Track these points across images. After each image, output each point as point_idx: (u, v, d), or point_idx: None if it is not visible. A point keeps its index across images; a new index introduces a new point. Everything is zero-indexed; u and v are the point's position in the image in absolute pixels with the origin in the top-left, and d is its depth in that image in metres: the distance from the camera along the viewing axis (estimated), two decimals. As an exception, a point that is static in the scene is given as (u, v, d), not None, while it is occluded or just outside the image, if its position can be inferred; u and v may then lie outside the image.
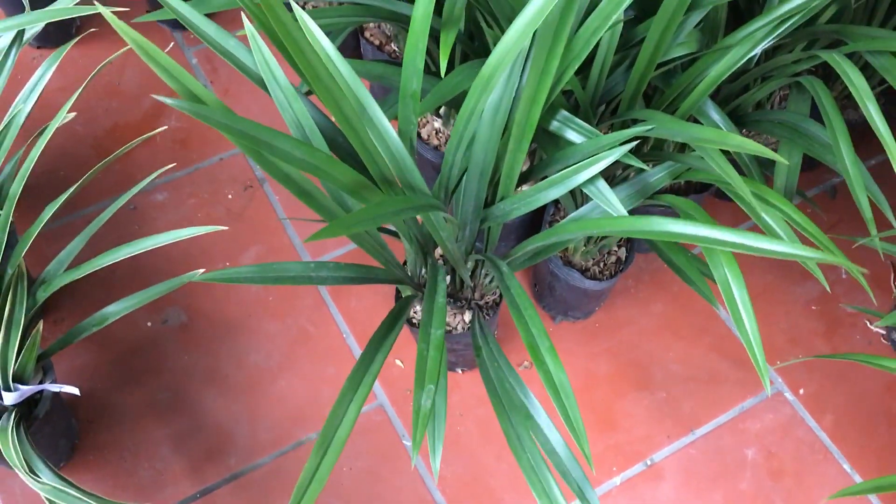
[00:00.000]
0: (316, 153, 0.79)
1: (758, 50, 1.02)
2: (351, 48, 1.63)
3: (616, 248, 1.33)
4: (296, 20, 0.93)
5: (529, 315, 0.91)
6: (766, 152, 0.80)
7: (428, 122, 1.43)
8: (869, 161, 1.62)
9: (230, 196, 1.57)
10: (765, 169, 1.16)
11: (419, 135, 1.42)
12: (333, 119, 0.82)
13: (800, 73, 1.16)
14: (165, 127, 1.39)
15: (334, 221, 0.75)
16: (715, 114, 1.11)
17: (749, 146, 0.81)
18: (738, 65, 1.03)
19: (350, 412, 0.82)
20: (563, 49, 0.84)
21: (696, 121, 1.14)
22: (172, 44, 1.78)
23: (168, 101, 0.70)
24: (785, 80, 1.12)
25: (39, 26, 1.03)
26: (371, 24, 1.55)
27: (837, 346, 1.44)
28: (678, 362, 1.42)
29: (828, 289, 1.04)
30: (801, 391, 1.39)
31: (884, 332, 1.45)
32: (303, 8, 1.52)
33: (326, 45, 0.88)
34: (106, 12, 0.78)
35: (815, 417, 1.37)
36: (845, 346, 1.44)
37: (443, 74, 0.92)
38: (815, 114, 1.14)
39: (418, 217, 0.99)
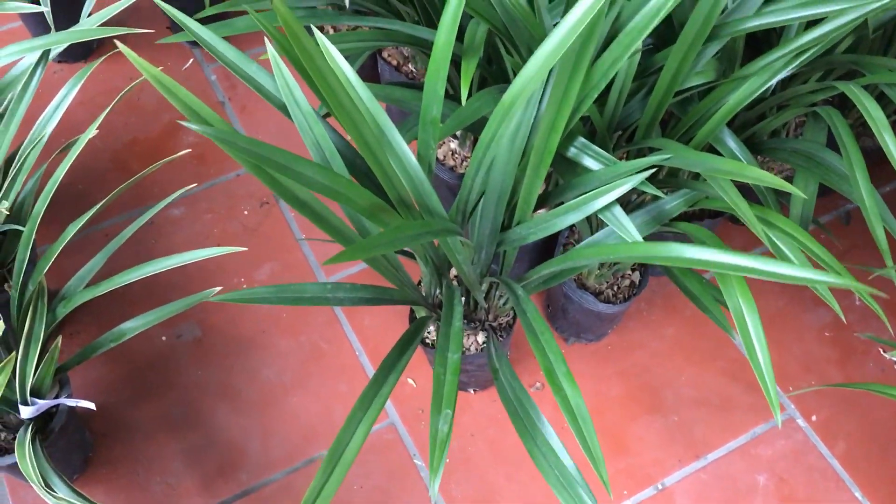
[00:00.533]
0: (337, 178, 0.80)
1: (775, 80, 1.03)
2: (368, 68, 1.64)
3: (630, 272, 1.34)
4: (317, 45, 0.94)
5: (546, 339, 0.91)
6: (785, 186, 0.81)
7: (444, 143, 1.44)
8: (883, 188, 1.62)
9: (246, 212, 1.58)
10: (781, 197, 1.16)
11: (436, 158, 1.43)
12: (353, 142, 0.83)
13: (816, 102, 1.17)
14: (189, 150, 1.41)
15: (353, 246, 0.75)
16: (732, 142, 1.11)
17: (767, 179, 0.81)
18: (756, 94, 1.03)
19: (359, 433, 0.83)
20: (582, 79, 0.85)
21: (712, 148, 1.14)
22: (192, 60, 1.80)
23: (195, 127, 0.71)
24: (802, 109, 1.13)
25: (63, 46, 1.05)
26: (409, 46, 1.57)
27: (850, 373, 1.44)
28: (690, 386, 1.42)
29: (841, 315, 1.04)
30: (814, 418, 1.39)
31: (897, 360, 1.45)
32: (322, 31, 1.54)
33: (347, 71, 0.89)
34: (121, 45, 0.80)
35: (827, 444, 1.36)
36: (858, 374, 1.44)
37: (463, 103, 0.93)
38: (830, 142, 1.15)
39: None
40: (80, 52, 1.76)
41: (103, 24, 1.11)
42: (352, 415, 0.86)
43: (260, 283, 1.50)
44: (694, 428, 1.37)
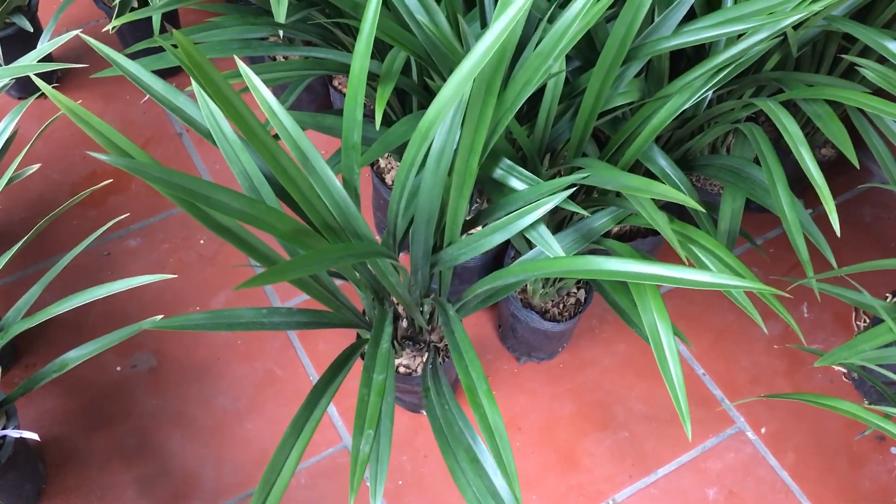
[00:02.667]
0: (255, 204, 0.82)
1: (697, 98, 1.05)
2: (321, 96, 1.67)
3: (575, 290, 1.36)
4: (236, 76, 0.97)
5: (469, 358, 0.93)
6: (687, 201, 0.83)
7: (393, 167, 1.47)
8: (819, 208, 1.64)
9: (202, 241, 1.60)
10: (713, 212, 1.18)
11: (383, 180, 1.46)
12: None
13: (742, 118, 1.19)
14: (109, 181, 1.43)
15: (271, 269, 0.77)
16: (661, 159, 1.14)
17: (671, 194, 0.84)
18: (678, 113, 1.06)
19: (290, 461, 0.84)
20: (495, 102, 0.88)
21: (643, 166, 1.17)
22: (151, 93, 1.83)
23: (102, 157, 0.73)
24: (727, 126, 1.15)
25: (2, 82, 1.07)
26: (341, 74, 1.60)
27: (799, 384, 1.46)
28: (641, 402, 1.43)
29: (761, 325, 1.05)
30: (763, 430, 1.40)
31: (845, 371, 1.46)
32: (274, 60, 1.57)
33: (269, 99, 0.91)
34: (41, 84, 0.82)
35: (776, 456, 1.38)
36: (807, 385, 1.46)
37: (377, 126, 0.96)
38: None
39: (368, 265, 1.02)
40: (36, 87, 1.78)
41: (44, 60, 1.14)
42: (283, 442, 0.87)
43: (215, 309, 1.51)
44: (644, 443, 1.39)
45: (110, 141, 0.86)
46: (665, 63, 1.12)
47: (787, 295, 0.88)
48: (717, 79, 1.04)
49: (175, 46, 0.78)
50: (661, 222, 0.92)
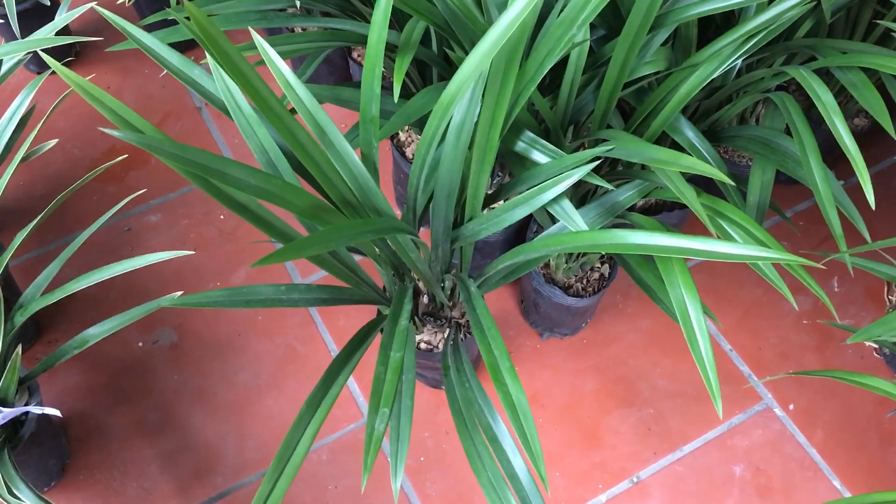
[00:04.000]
0: (270, 179, 0.80)
1: (726, 67, 1.02)
2: (340, 68, 1.65)
3: (599, 265, 1.33)
4: (252, 48, 0.95)
5: (492, 335, 0.91)
6: (716, 174, 0.80)
7: (413, 140, 1.44)
8: (852, 179, 1.60)
9: (222, 217, 1.59)
10: (741, 184, 1.15)
11: (404, 154, 1.43)
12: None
13: (772, 88, 1.16)
14: (126, 156, 1.42)
15: (287, 245, 0.75)
16: (689, 130, 1.11)
17: (700, 167, 0.81)
18: (707, 82, 1.03)
19: (306, 436, 0.83)
20: (516, 73, 0.85)
21: (672, 140, 1.14)
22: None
23: (114, 133, 0.72)
24: (758, 95, 1.12)
25: (17, 56, 1.06)
26: (360, 46, 1.57)
27: (829, 360, 1.43)
28: (665, 378, 1.41)
29: (791, 300, 1.02)
30: (791, 406, 1.38)
31: (876, 346, 1.43)
32: (291, 31, 1.55)
33: (286, 72, 0.89)
34: (51, 61, 0.81)
35: (804, 433, 1.35)
36: (837, 361, 1.43)
37: (395, 99, 0.93)
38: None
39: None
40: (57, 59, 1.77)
41: (61, 32, 1.12)
42: (298, 419, 0.86)
43: (235, 286, 1.51)
44: (669, 420, 1.37)
45: (122, 118, 0.84)
46: (693, 30, 1.09)
47: (819, 266, 0.85)
48: (748, 47, 1.01)
49: (188, 19, 0.76)
50: (689, 196, 0.89)
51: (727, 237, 0.97)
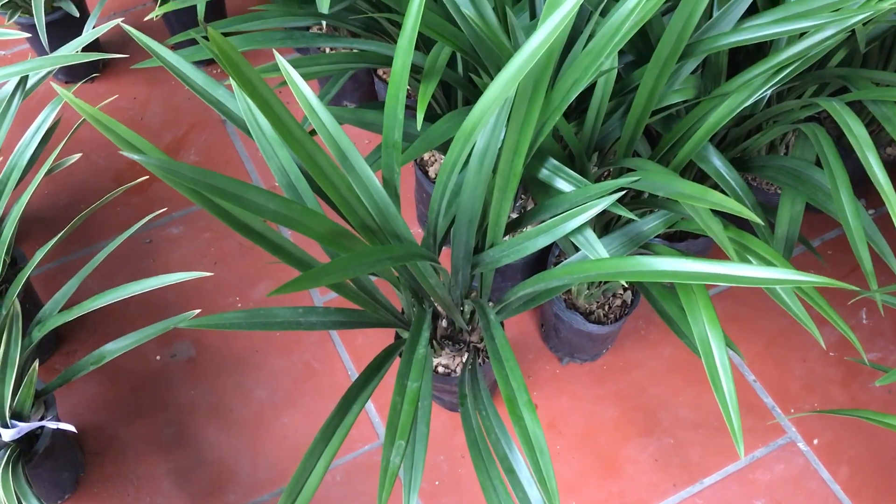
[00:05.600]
0: (290, 205, 0.79)
1: (757, 96, 1.00)
2: (365, 84, 1.64)
3: (621, 292, 1.31)
4: (275, 70, 0.94)
5: (510, 367, 0.90)
6: (747, 214, 0.78)
7: (436, 160, 1.43)
8: (882, 209, 1.57)
9: (243, 230, 1.59)
10: (770, 215, 1.13)
11: (426, 173, 1.42)
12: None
13: (805, 118, 1.13)
14: (146, 177, 1.42)
15: (305, 273, 0.74)
16: (716, 159, 1.09)
17: (729, 206, 0.79)
18: (737, 112, 1.01)
19: (319, 467, 0.82)
20: (542, 101, 0.84)
21: (699, 167, 1.12)
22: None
23: (136, 157, 0.71)
24: (788, 126, 1.09)
25: (44, 71, 1.06)
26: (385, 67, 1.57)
27: (855, 394, 1.39)
28: (687, 407, 1.38)
29: (819, 337, 1.00)
30: (816, 441, 1.35)
31: (905, 382, 1.40)
32: (319, 49, 1.54)
33: (308, 95, 0.88)
34: (57, 87, 0.80)
35: (829, 469, 1.32)
36: (863, 395, 1.39)
37: (418, 126, 0.92)
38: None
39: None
40: (85, 73, 1.78)
41: (87, 49, 1.12)
42: (313, 445, 0.85)
43: (254, 301, 1.51)
44: (690, 451, 1.34)
45: (133, 146, 0.84)
46: (723, 59, 1.07)
47: (850, 288, 0.82)
48: (780, 77, 0.98)
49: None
50: (716, 230, 0.87)
51: (749, 264, 0.94)
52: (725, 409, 0.82)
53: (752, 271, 0.74)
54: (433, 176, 1.42)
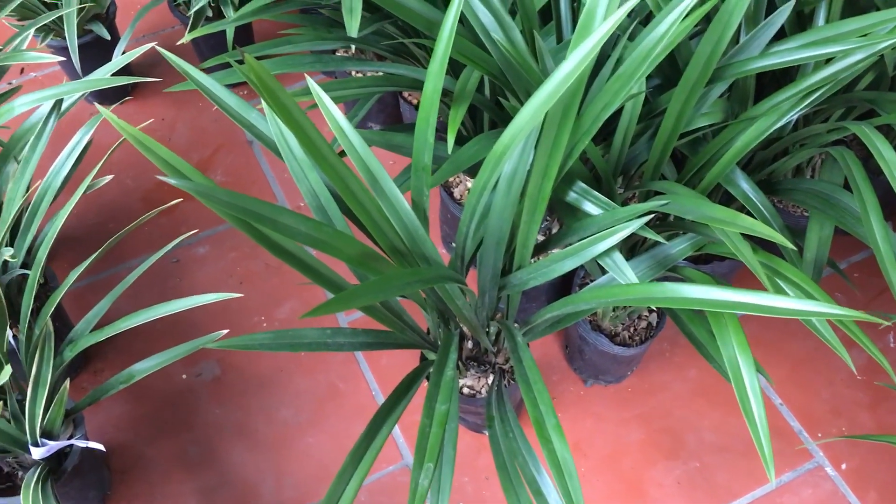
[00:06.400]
0: (321, 227, 0.80)
1: (784, 121, 1.00)
2: (390, 106, 1.65)
3: (647, 314, 1.31)
4: (306, 93, 0.95)
5: (538, 389, 0.90)
6: (778, 238, 0.78)
7: (461, 181, 1.44)
8: None
9: (269, 250, 1.60)
10: (797, 238, 1.12)
11: (451, 194, 1.43)
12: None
13: (833, 141, 1.13)
14: (179, 200, 1.43)
15: (336, 297, 0.75)
16: (744, 183, 1.08)
17: (759, 230, 0.79)
18: (765, 135, 1.01)
19: (349, 490, 0.82)
20: (571, 125, 0.84)
21: (725, 189, 1.12)
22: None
23: (170, 180, 0.72)
24: (815, 149, 1.09)
25: (77, 95, 1.08)
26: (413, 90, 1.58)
27: (882, 418, 1.38)
28: (713, 431, 1.37)
29: (849, 362, 1.00)
30: (844, 466, 1.33)
31: (934, 406, 1.38)
32: (348, 74, 1.56)
33: (339, 118, 0.89)
34: (101, 108, 0.81)
35: (857, 495, 1.31)
36: (891, 419, 1.38)
37: (449, 150, 0.93)
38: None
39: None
40: (116, 95, 1.81)
41: (117, 73, 1.14)
42: (342, 470, 0.85)
43: (280, 321, 1.52)
44: (716, 475, 1.33)
45: (171, 166, 0.85)
46: (751, 83, 1.07)
47: (883, 322, 0.82)
48: (808, 101, 0.98)
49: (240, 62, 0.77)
50: (747, 254, 0.87)
51: (783, 295, 0.94)
52: (756, 435, 0.82)
53: (785, 302, 0.74)
54: (458, 197, 1.43)
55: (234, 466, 1.35)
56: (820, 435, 1.36)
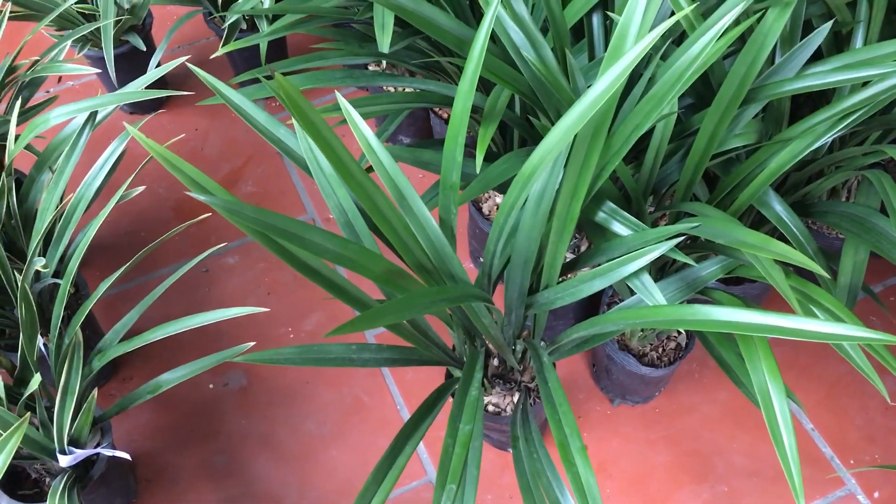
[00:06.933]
0: (347, 245, 0.80)
1: (820, 143, 0.98)
2: (421, 119, 1.66)
3: (676, 335, 1.29)
4: (336, 109, 0.95)
5: (563, 411, 0.89)
6: (809, 264, 0.76)
7: (490, 197, 1.43)
8: None
9: (297, 262, 1.60)
10: (831, 262, 1.10)
11: (480, 209, 1.43)
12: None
13: (870, 164, 1.11)
14: (209, 214, 1.44)
15: (361, 316, 0.75)
16: (777, 205, 1.07)
17: (793, 257, 0.77)
18: (800, 157, 0.99)
19: (372, 508, 0.81)
20: (601, 146, 0.83)
21: (758, 210, 1.10)
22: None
23: (200, 197, 0.73)
24: (850, 172, 1.07)
25: (112, 107, 1.09)
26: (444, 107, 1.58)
27: (918, 447, 1.35)
28: (742, 455, 1.35)
29: (884, 395, 0.98)
30: (876, 494, 1.30)
31: (971, 436, 1.35)
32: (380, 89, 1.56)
33: (368, 135, 0.89)
34: (129, 127, 0.82)
35: (890, 525, 1.28)
36: (927, 448, 1.35)
37: (477, 170, 0.93)
38: None
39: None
40: (150, 105, 1.83)
41: (151, 86, 1.16)
42: (365, 489, 0.85)
43: (307, 332, 1.52)
44: (745, 500, 1.31)
45: (198, 184, 0.85)
46: (786, 104, 1.06)
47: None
48: (844, 124, 0.97)
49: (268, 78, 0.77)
50: (778, 279, 0.86)
51: (813, 318, 0.92)
52: (786, 463, 0.80)
53: (817, 326, 0.72)
54: (487, 212, 1.42)
55: (258, 478, 1.36)
56: (853, 462, 1.34)
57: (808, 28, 1.03)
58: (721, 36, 0.88)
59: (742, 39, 1.01)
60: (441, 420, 0.89)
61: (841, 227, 1.08)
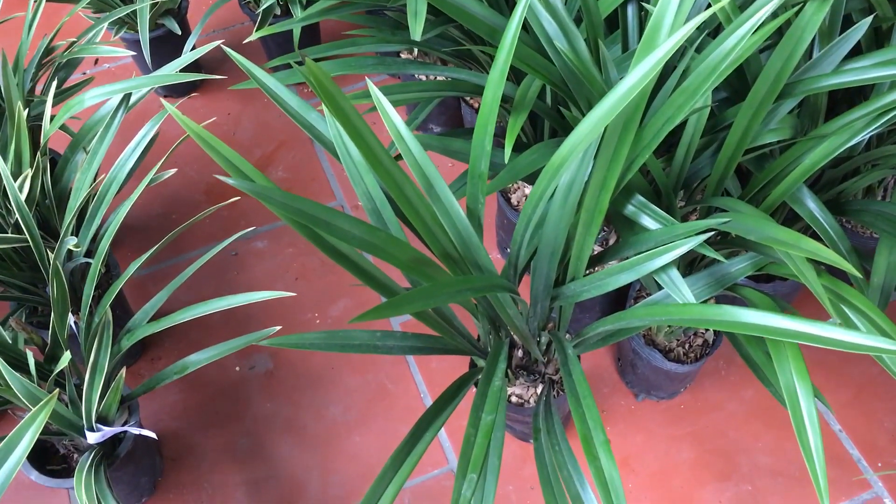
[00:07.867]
0: (375, 232, 0.80)
1: (856, 140, 0.96)
2: (452, 108, 1.65)
3: (703, 331, 1.28)
4: (367, 96, 0.95)
5: (587, 404, 0.88)
6: (842, 263, 0.75)
7: (518, 187, 1.43)
8: None
9: (325, 248, 1.61)
10: (865, 261, 1.08)
11: (508, 200, 1.42)
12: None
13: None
14: (238, 197, 1.45)
15: (388, 302, 0.75)
16: (811, 202, 1.05)
17: (825, 255, 0.76)
18: (835, 154, 0.97)
19: (388, 493, 0.82)
20: (632, 139, 0.83)
21: (790, 207, 1.08)
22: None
23: (228, 181, 0.73)
24: (888, 170, 1.05)
25: (146, 89, 1.10)
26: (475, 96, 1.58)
27: (949, 452, 1.33)
28: (767, 454, 1.34)
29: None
30: (904, 499, 1.29)
31: None
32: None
33: (398, 123, 0.89)
34: (167, 104, 0.83)
35: (917, 529, 1.26)
36: (958, 454, 1.32)
37: (506, 160, 0.92)
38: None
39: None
40: (184, 88, 1.85)
41: (185, 69, 1.16)
42: (383, 472, 0.85)
43: (333, 318, 1.53)
44: (769, 500, 1.29)
45: (233, 164, 0.86)
46: (822, 100, 1.04)
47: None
48: (882, 121, 0.95)
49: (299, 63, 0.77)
50: (811, 278, 0.84)
51: (848, 323, 0.91)
52: (811, 465, 0.79)
53: (851, 336, 0.71)
54: (515, 203, 1.42)
55: (281, 461, 1.37)
56: (880, 465, 1.32)
57: (848, 23, 1.02)
58: (758, 29, 0.86)
59: (779, 33, 0.99)
60: (465, 409, 0.89)
61: (875, 227, 1.06)
